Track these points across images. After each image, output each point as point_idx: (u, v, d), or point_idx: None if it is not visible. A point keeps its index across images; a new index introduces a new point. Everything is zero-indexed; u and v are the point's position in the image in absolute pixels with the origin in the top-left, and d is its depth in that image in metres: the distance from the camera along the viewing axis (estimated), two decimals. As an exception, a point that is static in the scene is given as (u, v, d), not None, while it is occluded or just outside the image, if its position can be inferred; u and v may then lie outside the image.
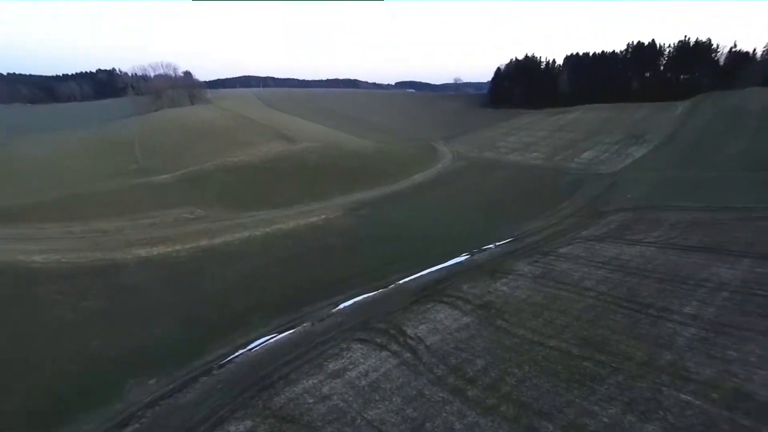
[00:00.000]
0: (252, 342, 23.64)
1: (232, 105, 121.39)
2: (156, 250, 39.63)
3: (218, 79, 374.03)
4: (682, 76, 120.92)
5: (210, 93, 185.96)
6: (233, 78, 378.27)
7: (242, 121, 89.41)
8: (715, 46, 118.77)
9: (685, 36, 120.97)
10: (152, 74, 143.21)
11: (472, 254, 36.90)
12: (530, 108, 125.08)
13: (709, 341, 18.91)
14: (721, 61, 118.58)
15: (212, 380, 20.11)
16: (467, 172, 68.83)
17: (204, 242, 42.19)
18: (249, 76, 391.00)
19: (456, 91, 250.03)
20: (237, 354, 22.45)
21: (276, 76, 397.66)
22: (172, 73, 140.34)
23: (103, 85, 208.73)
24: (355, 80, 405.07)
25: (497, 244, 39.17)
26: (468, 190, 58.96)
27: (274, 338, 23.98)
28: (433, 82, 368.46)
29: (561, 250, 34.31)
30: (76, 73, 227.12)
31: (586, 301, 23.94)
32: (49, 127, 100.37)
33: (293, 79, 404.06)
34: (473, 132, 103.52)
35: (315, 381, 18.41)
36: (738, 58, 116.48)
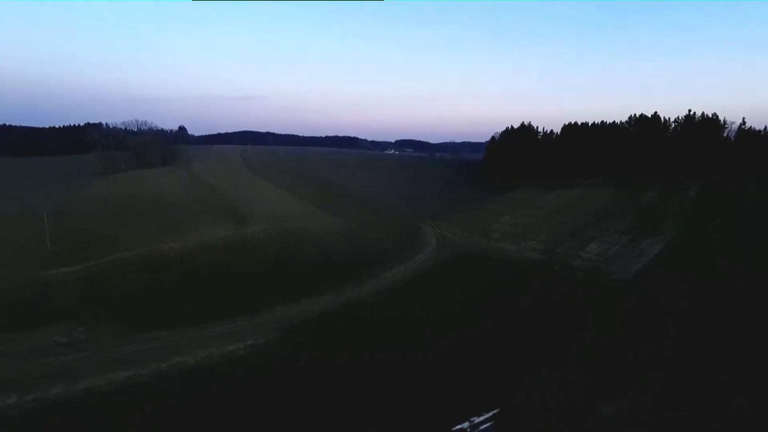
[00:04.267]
0: None
1: (205, 168, 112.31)
2: (-31, 405, 27.30)
3: (218, 134, 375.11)
4: (689, 154, 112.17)
5: (197, 150, 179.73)
6: (232, 133, 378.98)
7: (199, 192, 79.18)
8: (722, 121, 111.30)
9: (690, 110, 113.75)
10: (127, 129, 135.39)
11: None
12: (528, 181, 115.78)
13: None
14: (731, 137, 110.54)
15: None
16: (449, 272, 56.77)
17: (57, 389, 29.66)
18: (248, 131, 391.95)
19: (452, 153, 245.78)
20: None
21: (276, 132, 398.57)
22: (139, 129, 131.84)
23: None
24: (355, 138, 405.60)
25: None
26: (443, 304, 46.30)
27: None
28: (431, 141, 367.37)
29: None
30: (66, 126, 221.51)
31: None
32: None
33: (293, 135, 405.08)
34: (465, 209, 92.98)
35: None
36: (749, 136, 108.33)
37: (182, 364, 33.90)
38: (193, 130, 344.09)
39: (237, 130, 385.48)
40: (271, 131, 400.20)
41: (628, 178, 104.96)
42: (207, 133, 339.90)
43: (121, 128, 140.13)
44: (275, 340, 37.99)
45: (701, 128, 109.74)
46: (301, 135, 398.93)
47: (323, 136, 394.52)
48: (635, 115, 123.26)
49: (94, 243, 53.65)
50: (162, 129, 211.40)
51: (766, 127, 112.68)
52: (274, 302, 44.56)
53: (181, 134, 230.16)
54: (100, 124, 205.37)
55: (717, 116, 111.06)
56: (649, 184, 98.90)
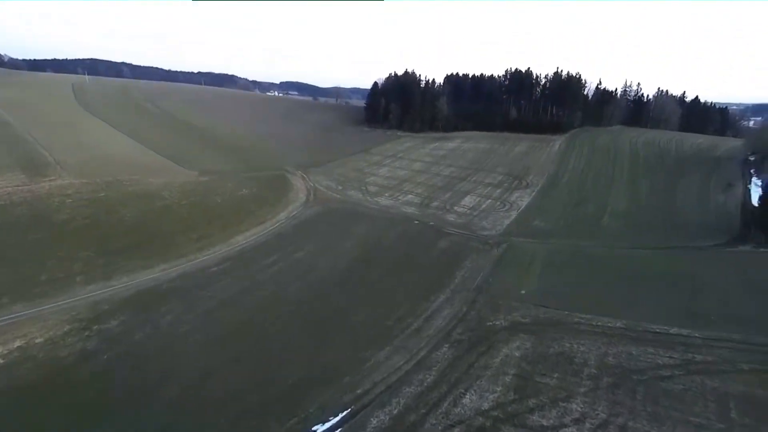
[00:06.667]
0: None
1: (10, 100, 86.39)
2: None
3: (54, 59, 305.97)
4: (555, 108, 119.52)
5: (11, 76, 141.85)
6: (75, 60, 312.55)
7: (-14, 131, 59.02)
8: (584, 81, 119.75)
9: (558, 68, 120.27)
10: None
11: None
12: (408, 130, 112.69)
13: None
14: (590, 96, 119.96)
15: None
16: (317, 229, 50.23)
17: None
18: (98, 60, 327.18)
19: (337, 97, 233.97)
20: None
21: (134, 63, 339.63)
22: None
23: None
24: (233, 76, 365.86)
25: (316, 437, 20.92)
26: (305, 269, 40.05)
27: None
28: (320, 85, 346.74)
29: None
30: None
31: None
32: None
33: (156, 68, 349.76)
34: (342, 158, 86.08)
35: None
36: (604, 95, 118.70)
37: None
38: (16, 52, 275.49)
39: (82, 57, 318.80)
40: (129, 61, 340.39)
41: (502, 130, 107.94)
42: (36, 57, 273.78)
43: None
44: (63, 336, 27.83)
45: (567, 84, 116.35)
46: (166, 69, 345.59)
47: (195, 71, 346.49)
48: (511, 69, 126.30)
49: None
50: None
51: (616, 89, 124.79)
52: (75, 282, 33.51)
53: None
54: None
55: (580, 75, 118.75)
56: (521, 136, 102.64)
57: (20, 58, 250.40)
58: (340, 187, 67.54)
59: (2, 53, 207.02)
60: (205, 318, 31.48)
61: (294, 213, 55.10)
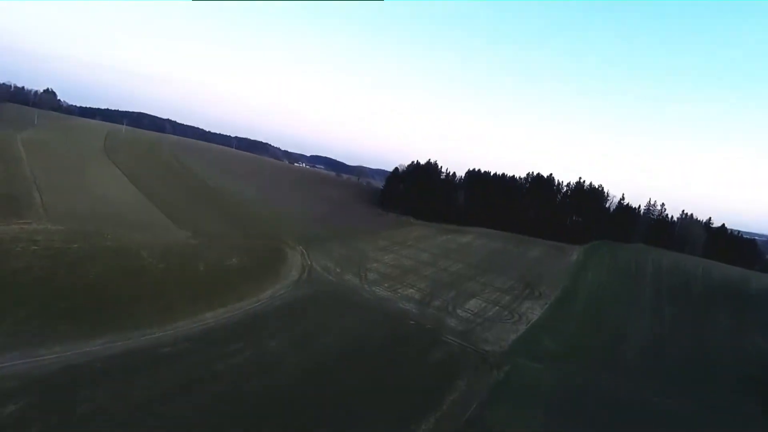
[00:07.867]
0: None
1: (35, 138, 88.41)
2: None
3: (106, 109, 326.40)
4: (575, 217, 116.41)
5: (55, 119, 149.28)
6: (123, 111, 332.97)
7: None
8: (606, 193, 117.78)
9: (581, 177, 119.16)
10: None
11: None
12: (423, 219, 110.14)
13: None
14: (611, 209, 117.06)
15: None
16: (299, 316, 44.98)
17: None
18: (145, 114, 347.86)
19: (359, 176, 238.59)
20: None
21: (178, 121, 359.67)
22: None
23: None
24: (266, 144, 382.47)
25: None
26: (271, 363, 34.33)
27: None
28: (346, 162, 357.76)
29: None
30: None
31: None
32: None
33: (196, 128, 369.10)
34: (348, 238, 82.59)
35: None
36: (626, 210, 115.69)
37: None
38: (73, 99, 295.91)
39: (130, 110, 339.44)
40: (173, 119, 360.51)
41: (518, 232, 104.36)
42: (89, 105, 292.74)
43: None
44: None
45: (588, 195, 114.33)
46: (206, 129, 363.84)
47: (232, 135, 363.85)
48: (532, 173, 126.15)
49: None
50: (5, 84, 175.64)
51: (639, 206, 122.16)
52: (-4, 348, 28.55)
53: (46, 98, 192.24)
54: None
55: (602, 187, 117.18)
56: (537, 241, 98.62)
57: (77, 105, 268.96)
58: (338, 270, 63.04)
59: (61, 99, 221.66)
60: (131, 415, 25.63)
61: (280, 293, 50.30)
